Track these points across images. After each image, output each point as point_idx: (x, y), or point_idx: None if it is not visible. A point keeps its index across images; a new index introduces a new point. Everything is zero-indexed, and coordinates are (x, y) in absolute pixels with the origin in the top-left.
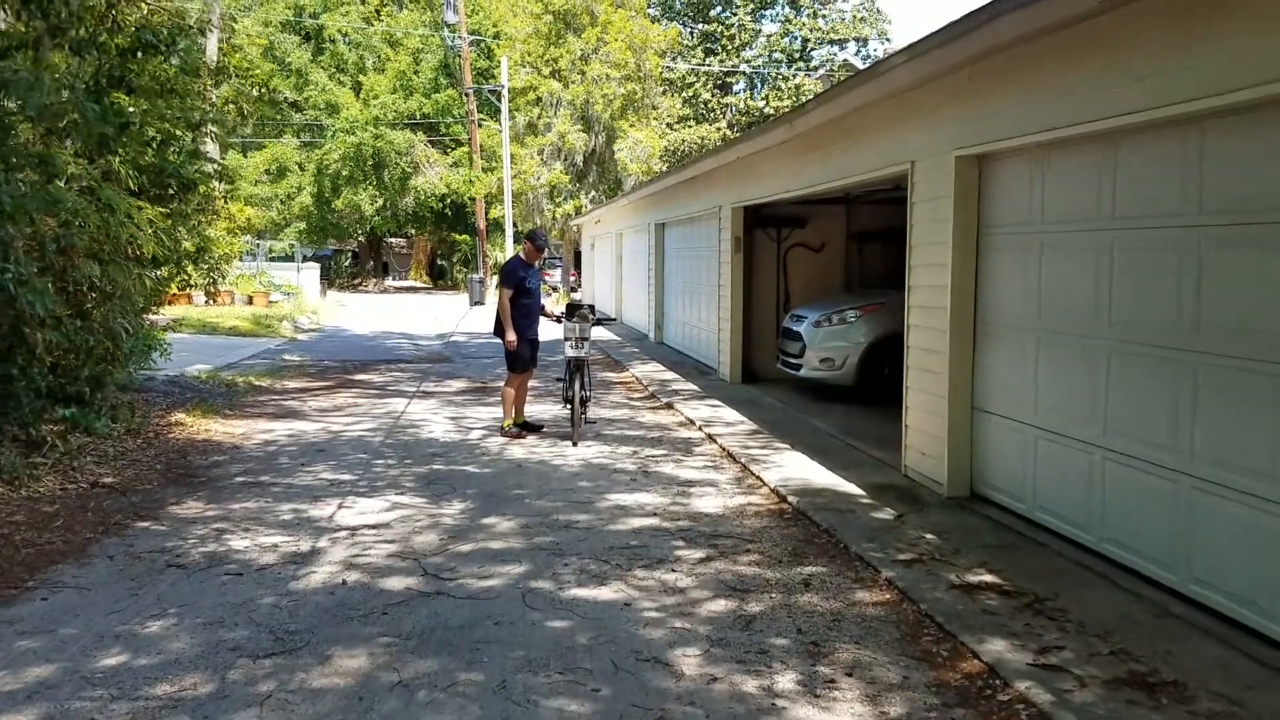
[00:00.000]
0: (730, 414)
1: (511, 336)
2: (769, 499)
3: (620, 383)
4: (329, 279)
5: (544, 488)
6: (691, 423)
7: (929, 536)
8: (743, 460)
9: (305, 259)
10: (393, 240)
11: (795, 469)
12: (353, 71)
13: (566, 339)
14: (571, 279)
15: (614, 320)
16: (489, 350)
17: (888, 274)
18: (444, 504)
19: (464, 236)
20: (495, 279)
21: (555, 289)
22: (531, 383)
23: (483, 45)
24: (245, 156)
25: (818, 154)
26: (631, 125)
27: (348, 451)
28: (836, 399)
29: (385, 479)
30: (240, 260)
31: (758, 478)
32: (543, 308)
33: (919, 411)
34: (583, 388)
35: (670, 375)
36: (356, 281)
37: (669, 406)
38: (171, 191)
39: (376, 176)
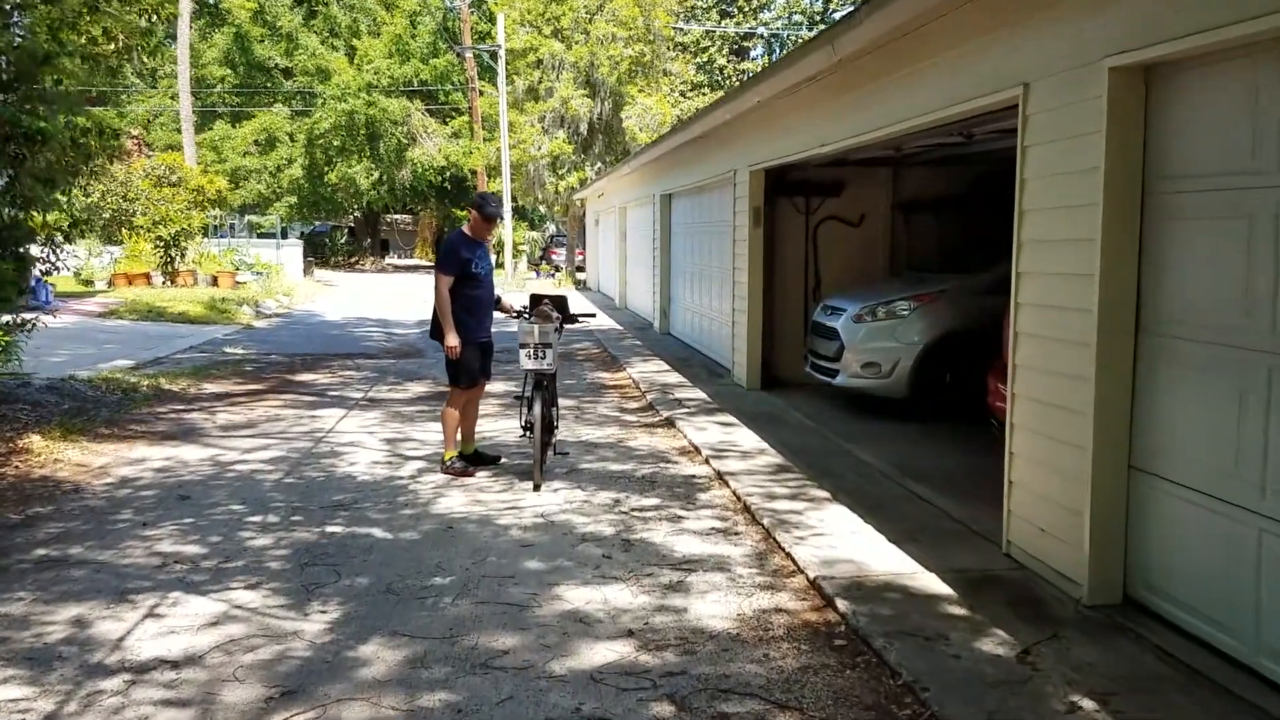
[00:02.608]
0: (747, 437)
1: (453, 340)
2: (806, 599)
3: (614, 386)
4: (323, 257)
5: (473, 573)
6: (697, 451)
7: (1087, 706)
8: (766, 520)
9: (301, 235)
10: (398, 217)
11: (842, 538)
12: (346, 36)
13: (522, 346)
14: (579, 258)
15: (593, 316)
16: None
17: (946, 254)
18: (309, 609)
19: (464, 212)
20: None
21: (559, 269)
22: (495, 387)
23: (484, 9)
24: (234, 126)
25: (870, 88)
26: (640, 91)
27: (222, 499)
28: (884, 414)
29: (247, 553)
30: (206, 237)
31: (788, 556)
32: (498, 300)
33: (1036, 464)
34: (546, 409)
35: (674, 377)
36: (353, 260)
37: (669, 424)
38: (14, 148)
39: (371, 148)
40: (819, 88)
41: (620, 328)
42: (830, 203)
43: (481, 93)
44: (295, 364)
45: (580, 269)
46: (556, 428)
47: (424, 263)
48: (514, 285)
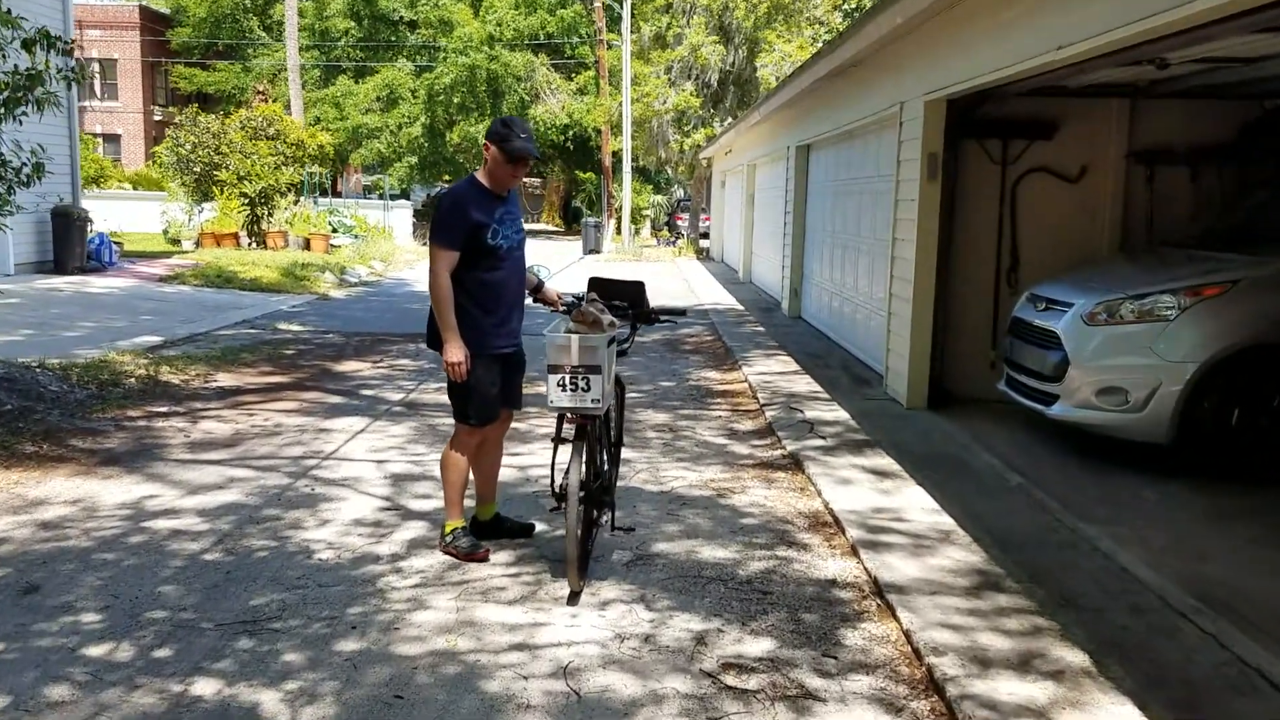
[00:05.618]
0: (917, 501)
1: (456, 353)
2: None
3: (724, 392)
4: None
5: None
6: (838, 527)
7: None
8: None
9: (428, 198)
10: (524, 180)
11: None
12: None
13: (551, 370)
14: (704, 223)
15: (682, 314)
16: None
17: (1225, 226)
18: None
19: (588, 174)
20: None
21: (681, 236)
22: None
23: None
24: (357, 82)
25: None
26: (779, 37)
27: (84, 594)
28: (1125, 462)
29: None
30: (303, 195)
31: None
32: (537, 288)
33: None
34: (592, 469)
35: (804, 383)
36: None
37: (795, 465)
38: None
39: (492, 105)
40: None
41: (741, 307)
42: (1038, 149)
43: (609, 45)
44: (347, 347)
45: (705, 236)
46: (609, 500)
47: (549, 227)
48: (630, 256)
